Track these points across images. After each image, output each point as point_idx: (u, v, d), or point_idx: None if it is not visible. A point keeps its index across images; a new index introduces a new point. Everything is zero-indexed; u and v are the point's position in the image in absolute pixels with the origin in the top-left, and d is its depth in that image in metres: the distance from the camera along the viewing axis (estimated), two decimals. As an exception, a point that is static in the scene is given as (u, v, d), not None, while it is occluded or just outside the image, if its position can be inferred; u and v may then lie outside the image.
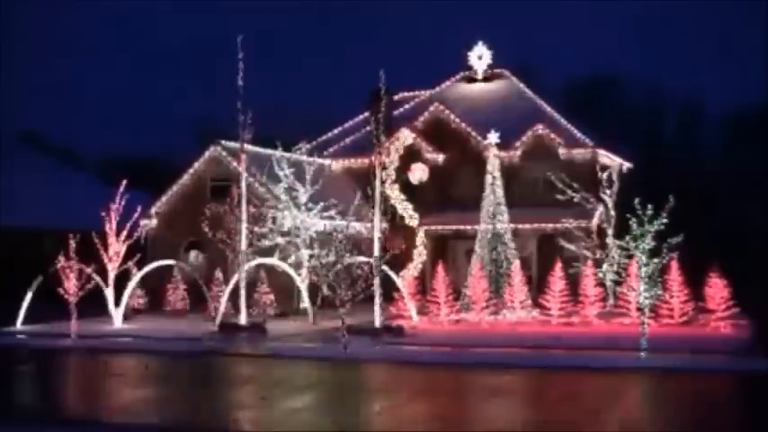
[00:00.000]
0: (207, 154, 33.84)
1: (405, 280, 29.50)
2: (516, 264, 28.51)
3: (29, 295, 28.17)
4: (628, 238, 21.89)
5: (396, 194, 36.53)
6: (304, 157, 34.59)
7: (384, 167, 30.70)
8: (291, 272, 29.75)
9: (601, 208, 31.30)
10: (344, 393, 17.57)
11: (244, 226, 27.26)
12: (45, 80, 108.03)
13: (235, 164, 29.72)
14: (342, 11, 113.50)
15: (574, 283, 27.55)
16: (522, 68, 43.94)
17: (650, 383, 18.22)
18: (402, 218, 36.51)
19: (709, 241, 32.11)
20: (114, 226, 29.59)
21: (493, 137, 30.66)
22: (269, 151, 33.61)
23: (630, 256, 24.19)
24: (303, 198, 32.44)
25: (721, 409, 15.60)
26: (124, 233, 29.82)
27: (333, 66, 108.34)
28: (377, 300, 25.16)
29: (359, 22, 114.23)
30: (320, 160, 37.47)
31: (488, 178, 30.00)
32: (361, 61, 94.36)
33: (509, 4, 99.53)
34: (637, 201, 21.60)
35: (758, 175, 46.99)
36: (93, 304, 28.06)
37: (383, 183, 29.16)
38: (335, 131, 42.40)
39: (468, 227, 32.31)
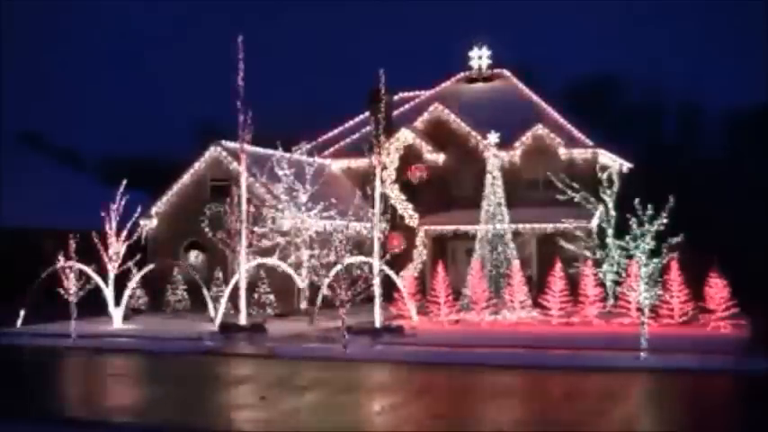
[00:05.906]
0: (207, 154, 33.83)
1: (405, 280, 29.49)
2: (516, 264, 28.50)
3: (29, 295, 28.15)
4: (628, 238, 21.88)
5: (396, 194, 36.55)
6: (304, 157, 34.60)
7: (384, 167, 30.68)
8: (291, 272, 29.74)
9: (601, 208, 31.28)
10: (344, 393, 17.56)
11: (244, 226, 27.26)
12: (45, 80, 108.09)
13: (235, 164, 29.72)
14: (342, 10, 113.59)
15: (574, 283, 27.54)
16: (523, 68, 43.96)
17: (650, 383, 18.22)
18: (402, 218, 36.51)
19: (710, 241, 32.04)
20: (114, 226, 29.63)
21: (493, 137, 30.66)
22: (269, 151, 33.61)
23: (630, 256, 24.17)
24: (303, 198, 32.45)
25: (721, 409, 15.60)
26: (124, 233, 29.86)
27: (333, 66, 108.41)
28: (377, 300, 25.16)
29: (359, 22, 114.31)
30: (320, 160, 37.45)
31: (488, 178, 29.98)
32: (361, 61, 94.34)
33: (509, 4, 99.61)
34: (637, 201, 21.59)
35: (758, 175, 46.95)
36: (93, 304, 28.06)
37: (383, 183, 29.13)
38: (335, 131, 42.41)
39: (469, 227, 32.30)
